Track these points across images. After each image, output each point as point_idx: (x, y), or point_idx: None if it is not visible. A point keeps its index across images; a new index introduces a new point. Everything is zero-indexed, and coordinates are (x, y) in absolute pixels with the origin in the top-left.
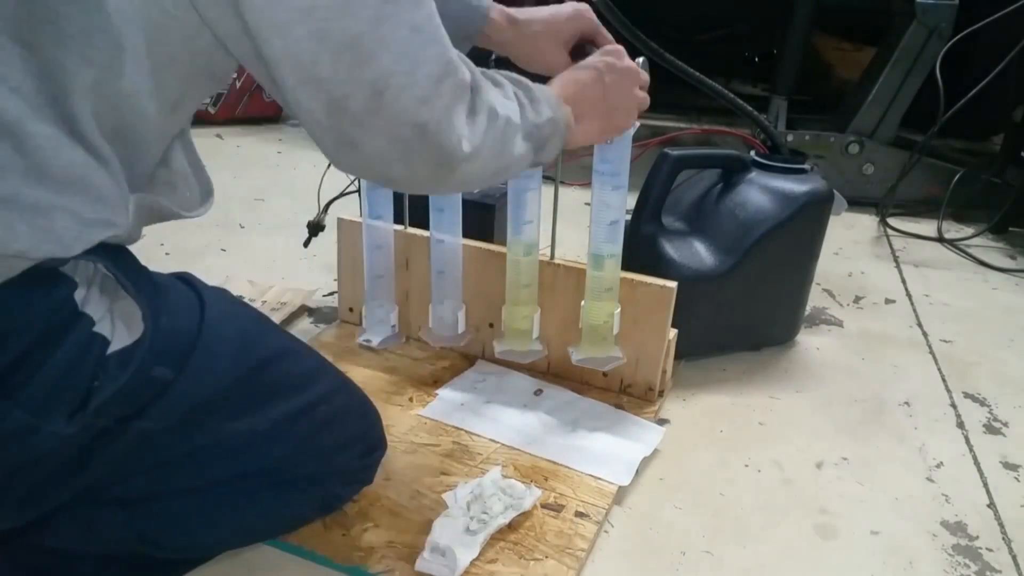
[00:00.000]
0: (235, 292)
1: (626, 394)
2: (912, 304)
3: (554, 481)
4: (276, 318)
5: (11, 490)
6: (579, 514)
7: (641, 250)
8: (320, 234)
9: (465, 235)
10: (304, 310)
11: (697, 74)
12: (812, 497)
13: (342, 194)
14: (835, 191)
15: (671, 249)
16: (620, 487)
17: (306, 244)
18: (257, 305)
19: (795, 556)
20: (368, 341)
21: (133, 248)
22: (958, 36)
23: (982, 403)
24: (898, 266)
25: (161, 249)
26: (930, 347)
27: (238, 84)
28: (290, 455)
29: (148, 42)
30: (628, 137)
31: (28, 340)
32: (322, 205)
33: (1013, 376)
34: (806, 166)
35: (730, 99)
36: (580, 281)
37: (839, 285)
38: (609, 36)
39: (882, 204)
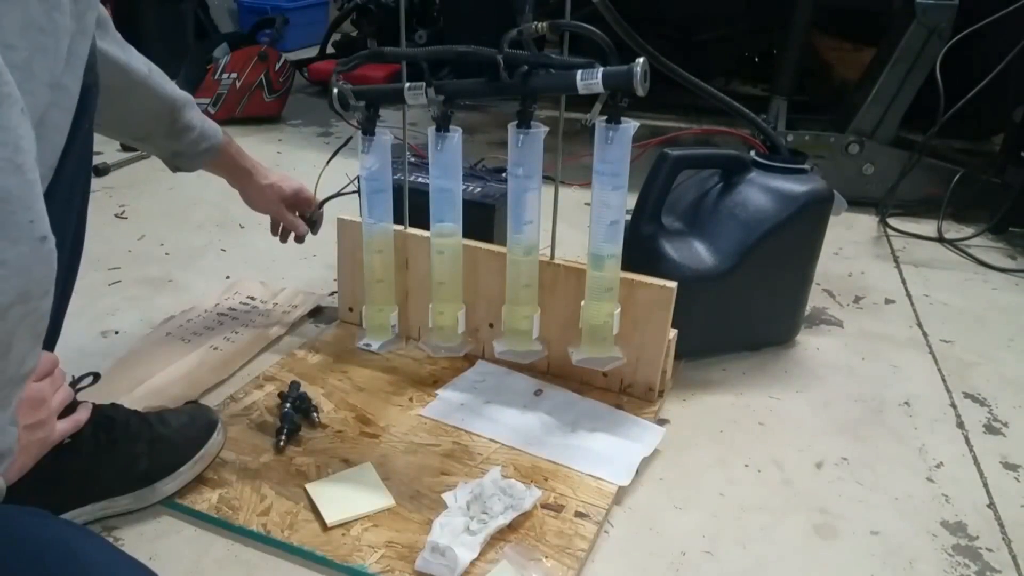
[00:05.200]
0: (245, 294)
1: (626, 394)
2: (912, 304)
3: (554, 481)
4: (288, 320)
5: None
6: (579, 514)
7: (641, 250)
8: (318, 231)
9: (465, 235)
10: (314, 312)
11: (692, 78)
12: (812, 497)
13: (339, 193)
14: (835, 191)
15: (671, 249)
16: (620, 487)
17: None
18: (268, 307)
19: (795, 556)
20: (368, 345)
21: (134, 246)
22: (958, 36)
23: (982, 403)
24: (898, 266)
25: (161, 249)
26: (930, 347)
27: (238, 84)
28: None
29: None
30: (628, 137)
31: None
32: (318, 202)
33: (1013, 376)
34: (806, 166)
35: (727, 103)
36: (580, 281)
37: (839, 285)
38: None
39: (882, 204)
